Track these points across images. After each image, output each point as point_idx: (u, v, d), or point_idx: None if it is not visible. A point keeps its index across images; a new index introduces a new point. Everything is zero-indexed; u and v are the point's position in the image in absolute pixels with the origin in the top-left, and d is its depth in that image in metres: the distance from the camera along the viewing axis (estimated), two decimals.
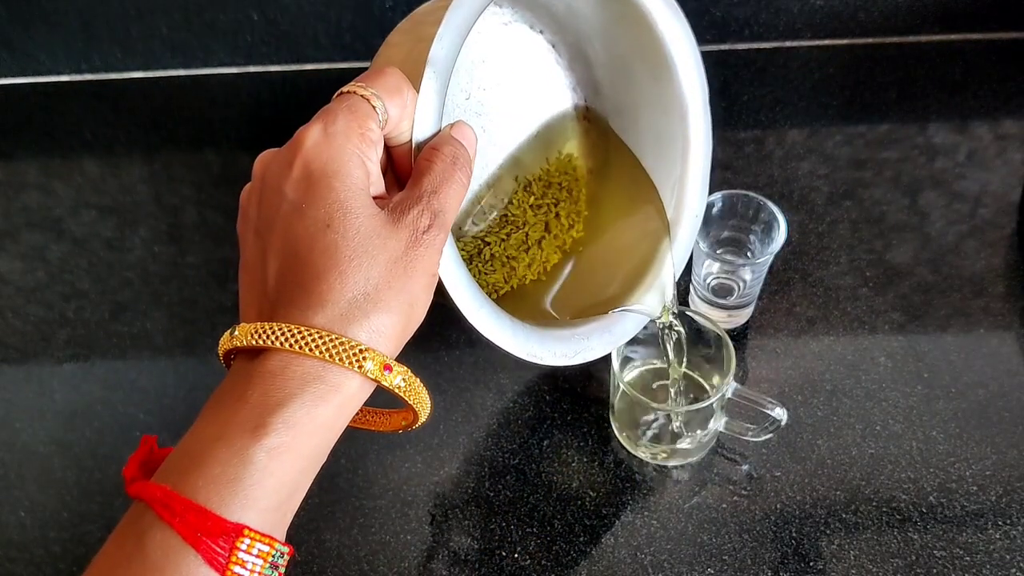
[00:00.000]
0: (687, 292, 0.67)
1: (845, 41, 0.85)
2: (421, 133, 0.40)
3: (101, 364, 0.67)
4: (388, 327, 0.36)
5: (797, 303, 0.67)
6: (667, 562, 0.55)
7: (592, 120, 0.58)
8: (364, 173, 0.37)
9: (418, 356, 0.66)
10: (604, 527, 0.57)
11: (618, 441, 0.60)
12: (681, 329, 0.54)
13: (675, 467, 0.59)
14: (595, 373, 0.64)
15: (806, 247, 0.70)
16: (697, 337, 0.59)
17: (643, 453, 0.59)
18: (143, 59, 0.86)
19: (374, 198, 0.37)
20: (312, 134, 0.37)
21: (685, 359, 0.56)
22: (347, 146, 0.36)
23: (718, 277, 0.64)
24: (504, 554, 0.56)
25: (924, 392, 0.61)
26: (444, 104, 0.41)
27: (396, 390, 0.36)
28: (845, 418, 0.60)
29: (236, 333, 0.36)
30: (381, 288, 0.35)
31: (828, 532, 0.56)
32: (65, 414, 0.64)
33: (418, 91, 0.39)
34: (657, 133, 0.56)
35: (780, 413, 0.55)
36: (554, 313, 0.54)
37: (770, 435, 0.57)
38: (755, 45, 0.85)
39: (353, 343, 0.34)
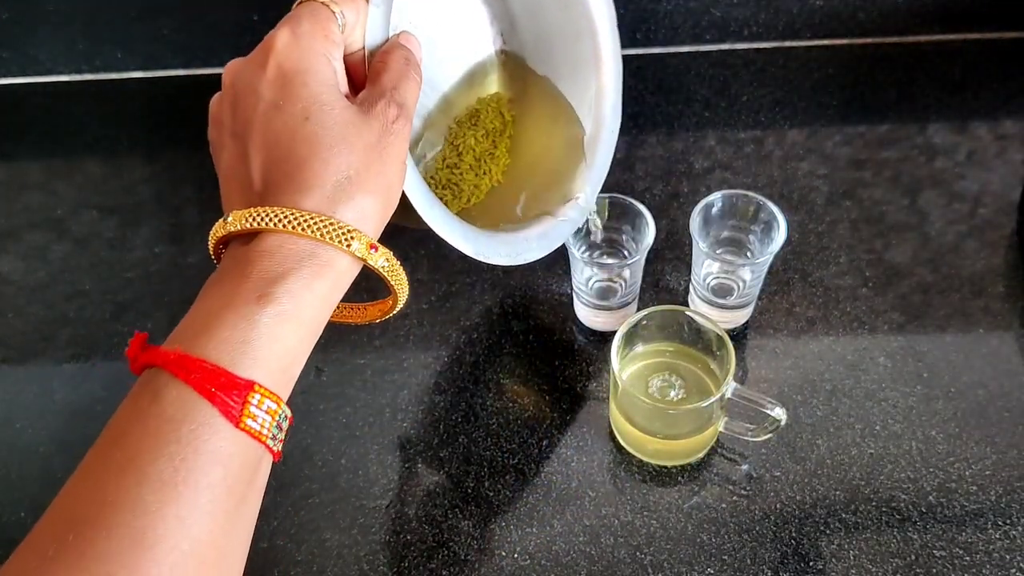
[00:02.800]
0: (687, 292, 0.67)
1: (845, 41, 0.85)
2: (373, 40, 0.43)
3: (102, 364, 0.67)
4: (370, 208, 0.38)
5: (797, 303, 0.67)
6: (667, 562, 0.55)
7: (508, 53, 0.61)
8: (332, 71, 0.40)
9: (418, 356, 0.66)
10: (604, 527, 0.57)
11: (618, 441, 0.60)
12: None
13: (675, 467, 0.59)
14: (595, 373, 0.64)
15: (806, 247, 0.70)
16: (697, 337, 0.59)
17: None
18: (144, 59, 0.86)
19: None
20: (282, 36, 0.39)
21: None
22: (314, 45, 0.39)
23: (718, 277, 0.64)
24: (504, 554, 0.56)
25: (924, 392, 0.61)
26: (391, 15, 0.44)
27: (381, 270, 0.39)
28: (845, 418, 0.60)
29: (230, 219, 0.37)
30: (361, 172, 0.38)
31: (828, 532, 0.56)
32: (66, 414, 0.64)
33: (368, 2, 0.43)
34: (570, 57, 0.60)
35: (780, 413, 0.55)
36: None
37: (770, 435, 0.57)
38: (755, 45, 0.85)
39: (342, 224, 0.37)
